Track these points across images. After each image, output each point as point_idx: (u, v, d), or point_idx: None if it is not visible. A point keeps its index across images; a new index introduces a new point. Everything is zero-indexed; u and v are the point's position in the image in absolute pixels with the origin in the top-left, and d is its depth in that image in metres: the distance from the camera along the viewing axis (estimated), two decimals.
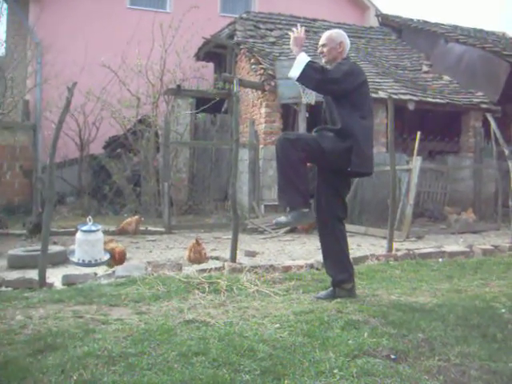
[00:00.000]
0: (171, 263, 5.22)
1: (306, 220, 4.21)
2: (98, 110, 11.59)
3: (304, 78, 4.08)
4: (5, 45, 12.00)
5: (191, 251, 5.88)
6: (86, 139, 11.83)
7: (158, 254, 6.75)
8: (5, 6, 14.91)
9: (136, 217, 8.60)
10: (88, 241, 4.89)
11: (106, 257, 5.01)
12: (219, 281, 4.62)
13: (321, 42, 4.32)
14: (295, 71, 4.04)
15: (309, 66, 4.00)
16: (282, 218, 4.15)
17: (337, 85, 4.08)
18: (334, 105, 4.17)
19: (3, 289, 4.66)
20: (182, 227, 9.10)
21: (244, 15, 13.50)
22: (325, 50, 4.28)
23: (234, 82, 5.62)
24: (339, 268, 4.37)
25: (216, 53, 13.44)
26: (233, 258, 5.40)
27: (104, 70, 11.10)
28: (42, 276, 4.69)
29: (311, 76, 4.04)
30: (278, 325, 3.66)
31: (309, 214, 4.13)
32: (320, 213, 4.33)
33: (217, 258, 6.21)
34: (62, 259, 5.83)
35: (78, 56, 11.71)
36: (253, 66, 11.03)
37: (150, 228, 8.78)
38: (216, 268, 5.12)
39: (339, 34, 4.34)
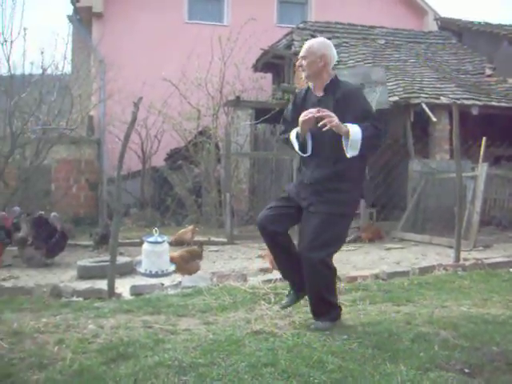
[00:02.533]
0: (236, 274, 5.25)
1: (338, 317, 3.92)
2: (160, 123, 11.84)
3: (368, 149, 3.62)
4: (71, 63, 12.40)
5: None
6: (149, 152, 12.09)
7: (221, 265, 6.80)
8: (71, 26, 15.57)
9: (191, 226, 8.66)
10: (155, 252, 4.98)
11: (172, 267, 5.09)
12: (285, 291, 4.60)
13: (300, 54, 3.77)
14: (353, 151, 3.56)
15: (364, 132, 3.53)
16: (321, 325, 3.78)
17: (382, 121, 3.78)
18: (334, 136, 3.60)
19: (74, 299, 4.80)
20: (244, 237, 9.13)
21: (301, 25, 13.50)
22: (304, 63, 3.72)
23: (296, 92, 5.59)
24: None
25: (274, 63, 13.49)
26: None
27: (165, 83, 11.33)
28: (111, 286, 4.81)
29: (373, 143, 3.63)
30: (345, 336, 3.62)
31: (339, 317, 3.93)
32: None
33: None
34: (128, 270, 5.96)
35: (140, 71, 12.00)
36: None
37: (212, 238, 8.86)
38: (281, 278, 5.08)
39: (322, 44, 3.73)
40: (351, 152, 3.56)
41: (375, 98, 9.63)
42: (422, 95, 10.35)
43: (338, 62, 11.60)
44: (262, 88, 12.58)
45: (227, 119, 11.28)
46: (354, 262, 7.15)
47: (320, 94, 3.79)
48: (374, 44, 13.20)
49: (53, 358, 3.27)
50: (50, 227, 7.29)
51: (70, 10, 14.77)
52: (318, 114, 3.55)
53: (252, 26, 11.81)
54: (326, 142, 3.67)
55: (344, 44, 12.75)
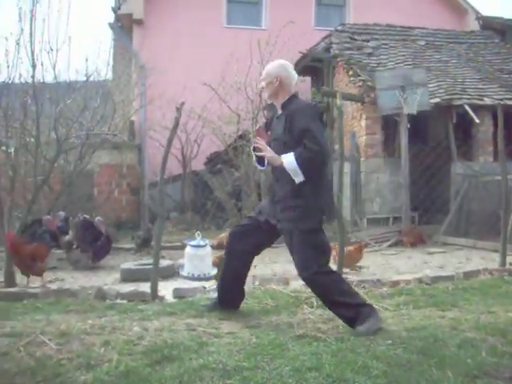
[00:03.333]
0: (278, 277, 5.24)
1: (380, 321, 3.91)
2: (200, 128, 11.94)
3: (308, 173, 3.74)
4: (112, 70, 12.63)
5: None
6: (189, 156, 12.21)
7: (262, 268, 6.81)
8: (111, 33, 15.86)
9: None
10: (197, 255, 5.02)
11: (214, 271, 5.12)
12: None
13: (262, 77, 4.09)
14: (298, 177, 3.75)
15: (298, 159, 3.71)
16: (361, 330, 3.77)
17: (325, 145, 3.77)
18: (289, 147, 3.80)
19: (118, 301, 4.87)
20: (283, 240, 9.10)
21: (339, 27, 13.42)
22: (263, 84, 4.04)
23: (338, 95, 5.58)
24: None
25: (312, 66, 13.44)
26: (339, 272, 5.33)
27: (204, 88, 11.43)
28: (155, 289, 4.87)
29: (308, 167, 3.73)
30: (390, 341, 3.57)
31: (377, 315, 3.90)
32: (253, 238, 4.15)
33: None
34: (171, 273, 6.03)
35: (180, 76, 12.12)
36: (351, 79, 10.93)
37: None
38: None
39: (277, 67, 3.99)
40: (297, 179, 3.76)
41: (416, 100, 9.52)
42: (464, 96, 10.17)
43: (377, 64, 11.53)
44: (300, 91, 12.54)
45: None
46: (395, 266, 7.07)
47: (279, 111, 4.03)
48: (413, 45, 13.01)
49: (99, 359, 3.33)
50: (95, 231, 7.44)
51: (111, 17, 15.12)
52: (256, 146, 3.94)
53: (290, 29, 11.81)
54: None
55: (383, 46, 12.61)
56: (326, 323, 4.02)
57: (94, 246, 7.32)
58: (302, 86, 12.88)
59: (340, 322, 4.01)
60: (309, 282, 3.93)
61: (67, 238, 7.50)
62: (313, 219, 3.89)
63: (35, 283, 5.85)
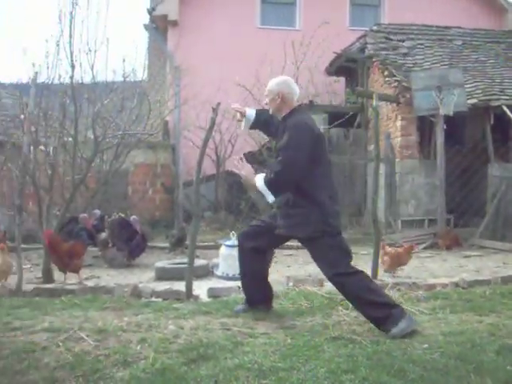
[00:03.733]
0: (313, 278, 5.23)
1: (414, 323, 3.90)
2: (234, 128, 11.95)
3: (277, 191, 3.93)
4: (147, 70, 12.77)
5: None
6: (223, 156, 12.26)
7: (296, 269, 6.80)
8: (146, 34, 16.03)
9: None
10: (232, 255, 5.04)
11: None
12: None
13: (265, 93, 4.23)
14: (270, 197, 3.94)
15: (265, 181, 3.91)
16: (395, 332, 3.77)
17: (297, 164, 3.86)
18: None
19: (153, 299, 4.93)
20: None
21: (374, 27, 13.29)
22: (267, 100, 4.20)
23: (374, 96, 5.54)
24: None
25: (347, 67, 13.36)
26: (374, 275, 5.31)
27: (239, 88, 11.45)
28: (189, 288, 4.91)
29: (276, 187, 3.90)
30: (426, 345, 3.54)
31: (409, 317, 3.91)
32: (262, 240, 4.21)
33: None
34: (205, 272, 6.06)
35: (214, 77, 12.18)
36: (386, 79, 10.83)
37: (286, 243, 8.84)
38: None
39: (279, 84, 4.14)
40: (269, 197, 3.94)
41: (453, 101, 9.37)
42: (502, 97, 9.97)
43: (413, 64, 11.39)
44: (335, 92, 12.51)
45: None
46: (431, 269, 6.98)
47: (283, 124, 4.14)
48: (450, 45, 12.80)
49: (136, 356, 3.38)
50: (131, 229, 7.54)
51: (146, 19, 15.27)
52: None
53: (324, 29, 11.76)
54: None
55: (419, 46, 12.45)
56: (362, 325, 3.99)
57: (130, 245, 7.42)
58: (337, 87, 12.85)
59: None
60: (333, 283, 4.08)
61: (103, 236, 7.62)
62: (312, 227, 3.93)
63: (72, 280, 5.95)
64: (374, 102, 5.48)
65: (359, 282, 3.97)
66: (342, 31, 13.59)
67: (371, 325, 3.96)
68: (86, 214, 8.03)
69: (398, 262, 5.97)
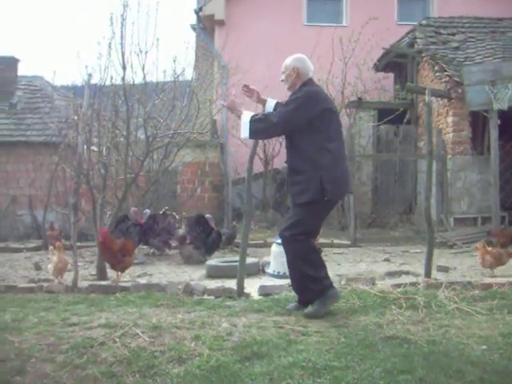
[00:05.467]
0: (365, 277, 5.17)
1: (332, 301, 4.19)
2: None
3: (255, 134, 4.25)
4: (195, 70, 12.89)
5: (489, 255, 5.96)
6: (270, 154, 12.26)
7: (347, 267, 6.74)
8: (193, 34, 16.19)
9: None
10: (283, 253, 5.00)
11: None
12: (416, 296, 4.49)
13: (281, 70, 4.42)
14: (244, 132, 4.19)
15: (253, 122, 4.14)
16: (310, 310, 4.12)
17: (287, 124, 4.10)
18: (294, 134, 4.20)
19: (206, 297, 4.96)
20: (368, 240, 9.02)
21: (424, 22, 13.04)
22: (283, 77, 4.39)
23: (426, 91, 5.42)
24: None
25: (396, 63, 13.15)
26: (427, 273, 5.21)
27: (285, 86, 11.42)
28: (241, 286, 4.92)
29: (258, 129, 4.16)
30: (484, 346, 3.45)
31: (333, 294, 4.15)
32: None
33: (408, 273, 6.03)
34: (255, 270, 6.08)
35: (261, 75, 12.18)
36: (437, 74, 10.61)
37: (335, 241, 8.83)
38: (411, 283, 4.97)
39: (293, 59, 4.35)
40: (243, 134, 4.22)
41: (507, 95, 9.11)
42: None
43: (464, 58, 11.12)
44: (384, 88, 12.34)
45: (349, 121, 11.16)
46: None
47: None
48: (503, 37, 12.44)
49: (190, 353, 3.41)
50: (207, 227, 7.65)
51: (193, 19, 15.43)
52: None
53: (372, 25, 11.61)
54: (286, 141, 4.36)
55: (470, 39, 12.13)
56: (416, 325, 3.92)
57: (206, 243, 7.52)
58: (386, 83, 12.66)
59: (430, 323, 3.92)
60: (282, 240, 4.28)
61: (180, 232, 7.79)
62: (309, 193, 4.10)
63: (124, 277, 6.07)
64: (427, 98, 5.37)
65: (303, 250, 4.14)
66: (390, 26, 13.39)
67: (426, 324, 3.89)
68: (136, 208, 8.19)
69: (499, 261, 6.00)
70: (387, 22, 13.66)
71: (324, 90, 4.45)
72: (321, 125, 4.13)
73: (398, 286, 4.90)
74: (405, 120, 11.90)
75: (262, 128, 4.19)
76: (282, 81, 4.41)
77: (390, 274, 5.82)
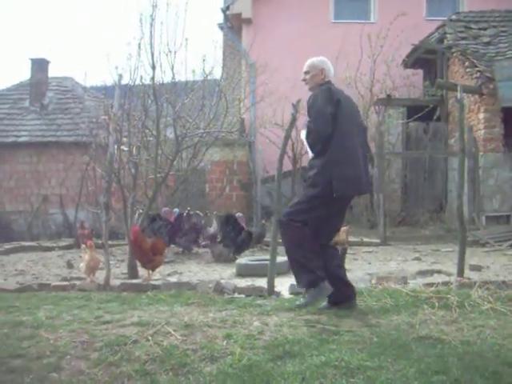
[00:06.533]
0: (396, 276, 5.13)
1: (323, 296, 4.20)
2: None
3: (311, 148, 4.25)
4: (223, 69, 12.93)
5: None
6: (299, 152, 12.22)
7: (377, 266, 6.69)
8: (221, 33, 16.23)
9: (345, 227, 8.58)
10: None
11: None
12: (448, 296, 4.43)
13: (304, 70, 4.41)
14: (310, 151, 4.31)
15: (306, 138, 4.25)
16: (301, 301, 4.27)
17: (324, 121, 4.07)
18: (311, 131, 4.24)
19: (236, 295, 4.97)
20: (398, 239, 8.94)
21: (453, 17, 12.85)
22: (307, 77, 4.38)
23: (458, 88, 5.34)
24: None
25: (425, 59, 12.99)
26: (460, 273, 5.13)
27: None
28: (271, 285, 4.93)
29: (310, 143, 4.21)
30: None
31: (324, 289, 4.12)
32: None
33: (439, 272, 5.96)
34: (285, 269, 6.05)
35: (289, 73, 12.13)
36: (468, 70, 10.46)
37: (365, 239, 8.78)
38: (443, 282, 4.90)
39: (321, 61, 4.39)
40: (309, 152, 4.32)
41: None
42: None
43: (496, 53, 10.92)
44: (413, 85, 12.21)
45: (378, 118, 11.07)
46: None
47: None
48: None
49: (222, 351, 3.42)
50: (237, 226, 7.68)
51: (220, 18, 15.48)
52: None
53: (400, 21, 11.51)
54: None
55: (502, 33, 11.91)
56: (449, 325, 3.87)
57: (236, 242, 7.55)
58: (415, 80, 12.52)
59: (464, 324, 3.86)
60: (282, 225, 4.32)
61: (211, 231, 7.83)
62: (318, 188, 4.15)
63: (155, 275, 6.12)
64: (459, 94, 5.29)
65: (297, 234, 4.18)
66: (418, 22, 13.23)
67: (460, 324, 3.84)
68: (167, 208, 8.25)
69: None
70: (416, 17, 13.49)
71: (343, 91, 4.46)
72: (337, 122, 4.13)
73: (430, 285, 4.84)
74: (435, 117, 11.76)
75: (312, 140, 4.22)
76: (304, 80, 4.42)
77: (422, 273, 5.74)
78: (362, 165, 4.28)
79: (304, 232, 4.19)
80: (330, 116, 4.09)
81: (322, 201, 4.15)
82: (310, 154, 4.30)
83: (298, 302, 4.32)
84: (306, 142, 4.31)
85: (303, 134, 4.31)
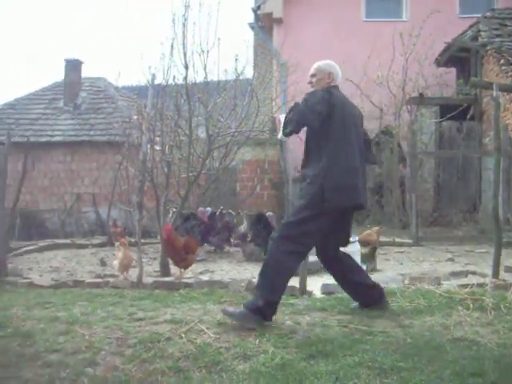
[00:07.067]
0: (429, 276, 5.07)
1: (247, 323, 3.83)
2: None
3: (287, 127, 4.04)
4: (254, 68, 12.94)
5: None
6: None
7: (409, 267, 6.62)
8: (252, 33, 16.25)
9: (376, 228, 8.52)
10: (346, 251, 4.96)
11: (364, 267, 5.04)
12: (483, 298, 4.35)
13: (310, 73, 4.32)
14: (280, 132, 4.14)
15: (286, 117, 4.06)
16: (230, 309, 4.01)
17: (315, 109, 3.91)
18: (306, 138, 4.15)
19: None
20: (430, 239, 8.83)
21: (488, 14, 12.62)
22: (314, 80, 4.27)
23: (494, 86, 5.26)
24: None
25: (458, 57, 12.79)
26: (495, 274, 5.05)
27: (345, 83, 11.23)
28: (304, 284, 4.93)
29: (290, 121, 4.00)
30: None
31: (253, 321, 3.82)
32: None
33: (474, 273, 5.87)
34: (316, 268, 6.04)
35: None
36: (503, 68, 10.26)
37: (396, 239, 8.70)
38: (478, 284, 4.83)
39: (328, 65, 4.29)
40: (279, 132, 4.18)
41: None
42: None
43: None
44: (446, 83, 12.05)
45: (410, 117, 10.96)
46: None
47: None
48: None
49: (255, 349, 3.43)
50: (268, 225, 7.71)
51: (250, 17, 15.48)
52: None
53: (433, 18, 11.37)
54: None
55: None
56: (485, 327, 3.81)
57: (267, 241, 7.57)
58: (448, 78, 12.35)
59: (500, 326, 3.80)
60: (272, 241, 4.27)
61: (242, 229, 7.88)
62: (307, 198, 4.00)
63: (187, 274, 6.17)
64: (495, 93, 5.21)
65: (282, 261, 3.94)
66: (451, 19, 13.05)
67: (496, 327, 3.78)
68: (202, 208, 8.31)
69: None
70: (449, 15, 13.30)
71: (348, 99, 4.29)
72: (331, 128, 3.99)
73: (465, 286, 4.77)
74: (468, 116, 11.58)
75: (291, 122, 4.05)
76: (310, 83, 4.31)
77: (455, 274, 5.67)
78: (359, 175, 4.07)
79: (286, 257, 3.93)
80: (320, 113, 3.93)
81: (311, 212, 3.94)
82: (279, 136, 4.22)
83: (230, 309, 4.06)
84: (281, 122, 4.10)
85: (282, 117, 4.16)
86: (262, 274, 4.00)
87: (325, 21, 13.90)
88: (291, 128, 4.02)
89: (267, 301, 3.87)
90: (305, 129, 4.12)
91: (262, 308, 3.85)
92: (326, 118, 3.96)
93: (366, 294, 4.23)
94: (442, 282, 4.97)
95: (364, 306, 4.22)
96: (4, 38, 48.60)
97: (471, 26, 12.36)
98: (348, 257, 4.32)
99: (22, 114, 15.09)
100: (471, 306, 4.22)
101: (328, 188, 3.91)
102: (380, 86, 11.22)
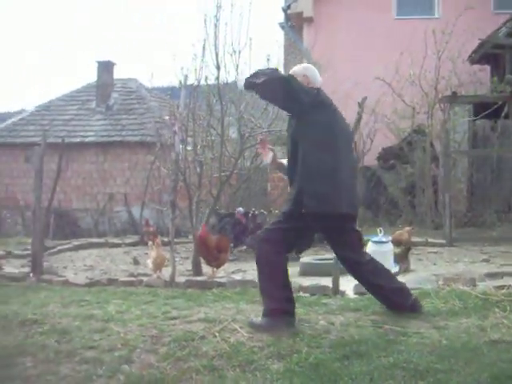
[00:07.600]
0: (464, 277, 4.99)
1: (277, 329, 3.73)
2: (372, 123, 11.74)
3: (254, 79, 3.92)
4: (284, 68, 12.92)
5: None
6: (361, 151, 12.07)
7: (443, 267, 6.54)
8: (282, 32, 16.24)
9: (407, 228, 8.44)
10: (379, 252, 4.96)
11: (396, 268, 5.01)
12: None
13: None
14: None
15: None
16: (255, 320, 3.92)
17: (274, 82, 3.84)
18: (290, 142, 4.09)
19: (301, 294, 4.97)
20: (464, 240, 8.70)
21: None
22: None
23: None
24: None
25: (492, 54, 12.56)
26: None
27: (377, 82, 11.22)
28: (336, 284, 4.91)
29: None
30: None
31: (281, 323, 3.78)
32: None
33: (510, 275, 5.75)
34: None
35: (352, 71, 12.04)
36: None
37: (429, 240, 8.60)
38: None
39: (304, 68, 4.28)
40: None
41: None
42: None
43: None
44: (480, 81, 11.85)
45: (443, 116, 10.82)
46: None
47: None
48: None
49: (289, 349, 3.44)
50: None
51: (281, 17, 15.48)
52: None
53: (466, 15, 11.21)
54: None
55: None
56: None
57: None
58: (482, 76, 12.15)
59: None
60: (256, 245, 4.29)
61: None
62: (288, 204, 4.05)
63: (219, 273, 6.20)
64: None
65: (269, 256, 3.95)
66: (485, 16, 12.86)
67: None
68: (241, 209, 8.36)
69: None
70: (483, 11, 13.11)
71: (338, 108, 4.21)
72: (319, 135, 3.91)
73: (501, 287, 4.66)
74: (503, 114, 11.37)
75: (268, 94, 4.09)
76: None
77: (491, 276, 5.55)
78: (345, 182, 3.95)
79: (272, 256, 3.94)
80: (306, 94, 3.89)
81: (291, 217, 3.94)
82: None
83: (253, 319, 3.97)
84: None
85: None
86: (258, 277, 4.08)
87: (355, 19, 13.81)
88: (264, 79, 3.85)
89: (274, 298, 3.92)
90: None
91: (276, 308, 3.88)
92: (310, 113, 3.91)
93: (389, 300, 4.14)
94: (477, 283, 4.88)
95: (390, 309, 4.15)
96: (38, 41, 49.53)
97: (506, 22, 12.13)
98: (370, 260, 4.19)
99: (56, 116, 15.36)
100: (508, 307, 4.14)
101: (308, 195, 3.85)
102: (412, 85, 11.10)
